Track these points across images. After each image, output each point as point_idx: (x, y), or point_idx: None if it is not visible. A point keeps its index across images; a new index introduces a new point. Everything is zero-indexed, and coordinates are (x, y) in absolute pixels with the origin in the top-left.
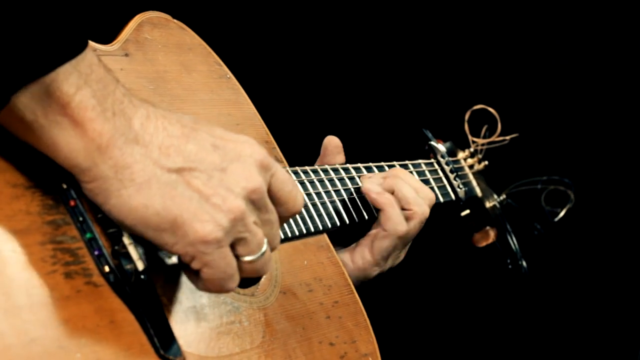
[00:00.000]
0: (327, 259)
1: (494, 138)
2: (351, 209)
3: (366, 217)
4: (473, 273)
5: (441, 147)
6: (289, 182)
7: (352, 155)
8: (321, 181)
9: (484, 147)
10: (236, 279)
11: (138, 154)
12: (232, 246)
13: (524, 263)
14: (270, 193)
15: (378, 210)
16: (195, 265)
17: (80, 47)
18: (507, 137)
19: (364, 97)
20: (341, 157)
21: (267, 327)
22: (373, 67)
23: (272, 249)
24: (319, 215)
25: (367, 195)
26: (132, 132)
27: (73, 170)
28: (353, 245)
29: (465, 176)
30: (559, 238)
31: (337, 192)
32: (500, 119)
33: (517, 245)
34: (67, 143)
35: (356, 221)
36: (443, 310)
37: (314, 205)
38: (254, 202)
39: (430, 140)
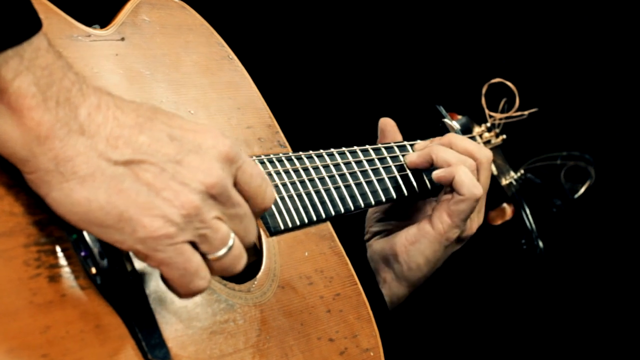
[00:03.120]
0: (330, 249)
1: (512, 113)
2: (402, 183)
3: (417, 190)
4: (485, 254)
5: (455, 125)
6: (257, 176)
7: (362, 136)
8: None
9: (502, 121)
10: (203, 277)
11: (82, 146)
12: (195, 244)
13: (540, 243)
14: (237, 187)
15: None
16: (151, 263)
17: (27, 33)
18: (526, 112)
19: (374, 74)
20: (399, 135)
21: (262, 324)
22: (383, 40)
23: (245, 244)
24: (362, 194)
25: (438, 157)
26: (77, 122)
27: (11, 160)
28: (429, 210)
29: None
30: (578, 217)
31: (378, 170)
32: (518, 93)
33: (533, 224)
34: (4, 131)
35: (406, 196)
36: (451, 296)
37: (338, 187)
38: (214, 197)
39: (444, 117)
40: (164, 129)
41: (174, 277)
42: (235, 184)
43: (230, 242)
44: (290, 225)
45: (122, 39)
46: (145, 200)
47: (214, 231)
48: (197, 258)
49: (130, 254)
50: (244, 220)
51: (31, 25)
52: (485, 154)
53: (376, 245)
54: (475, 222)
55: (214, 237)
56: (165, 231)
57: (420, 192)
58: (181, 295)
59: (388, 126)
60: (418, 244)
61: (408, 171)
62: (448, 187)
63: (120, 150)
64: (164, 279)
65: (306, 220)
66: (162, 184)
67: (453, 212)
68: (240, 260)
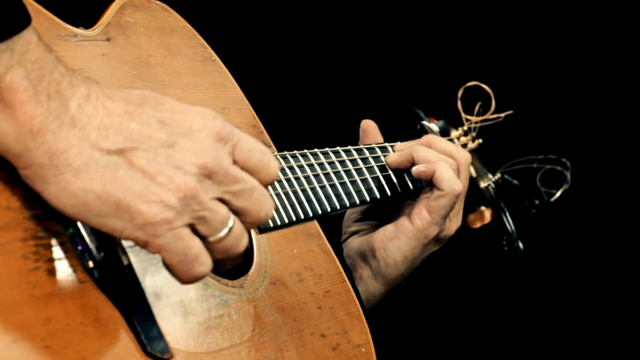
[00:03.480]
0: (318, 247)
1: (488, 115)
2: (384, 183)
3: (400, 190)
4: (467, 255)
5: (434, 127)
6: (256, 150)
7: (343, 137)
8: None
9: (478, 125)
10: (204, 262)
11: (74, 138)
12: (194, 227)
13: (521, 244)
14: (239, 165)
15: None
16: (151, 250)
17: (17, 27)
18: (502, 115)
19: (353, 78)
20: (380, 137)
21: (256, 319)
22: (361, 45)
23: (263, 219)
24: (347, 194)
25: (419, 155)
26: (68, 114)
27: (5, 156)
28: (407, 210)
29: None
30: (557, 219)
31: (368, 169)
32: (494, 96)
33: (513, 226)
34: None
35: (389, 196)
36: (437, 296)
37: (324, 187)
38: (210, 177)
39: (423, 120)
40: (153, 114)
41: (174, 262)
42: (236, 162)
43: (231, 223)
44: (279, 223)
45: (108, 39)
46: (140, 187)
47: (212, 212)
48: (196, 243)
49: (126, 248)
50: (254, 195)
51: (21, 20)
52: (464, 155)
53: (353, 243)
54: (454, 223)
55: (212, 219)
56: (164, 216)
57: (403, 192)
58: (183, 281)
59: (370, 128)
60: (396, 240)
61: (390, 172)
62: (428, 184)
63: (112, 139)
64: (166, 265)
65: (294, 218)
66: (155, 169)
67: (433, 208)
68: (242, 240)
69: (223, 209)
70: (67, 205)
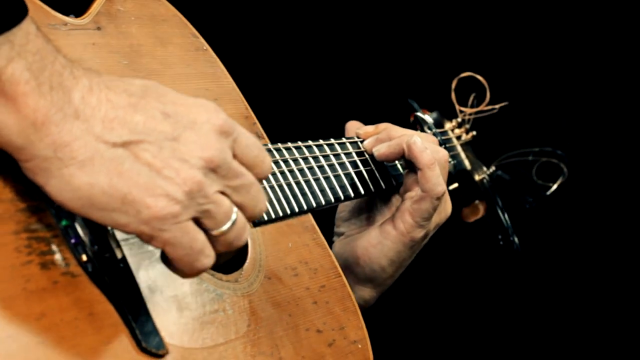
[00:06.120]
0: (313, 241)
1: (482, 107)
2: (367, 179)
3: (383, 186)
4: (462, 250)
5: (428, 119)
6: (253, 146)
7: (336, 128)
8: (325, 156)
9: (472, 116)
10: (208, 255)
11: (78, 130)
12: (198, 220)
13: (516, 239)
14: (236, 159)
15: (400, 176)
16: (156, 244)
17: (16, 19)
18: (497, 106)
19: (347, 69)
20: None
21: (252, 315)
22: (355, 36)
23: (257, 214)
24: (322, 191)
25: (412, 151)
26: (72, 106)
27: (7, 149)
28: (391, 214)
29: (453, 148)
30: (553, 212)
31: (345, 164)
32: (488, 87)
33: (508, 220)
34: None
35: (372, 191)
36: (432, 291)
37: (317, 179)
38: (214, 171)
39: (416, 111)
40: (157, 106)
41: (180, 256)
42: (235, 157)
43: (234, 216)
44: (273, 216)
45: (99, 28)
46: (147, 181)
47: (217, 206)
48: (201, 236)
49: (120, 241)
50: (251, 190)
51: (19, 10)
52: (444, 154)
53: (337, 248)
54: (433, 223)
55: (217, 212)
56: (170, 210)
57: (387, 187)
58: (185, 274)
59: (354, 128)
60: (380, 246)
61: (373, 166)
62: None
63: (117, 131)
64: (166, 259)
65: (288, 211)
66: (161, 162)
67: (415, 211)
68: (244, 234)
69: (226, 202)
70: (71, 198)
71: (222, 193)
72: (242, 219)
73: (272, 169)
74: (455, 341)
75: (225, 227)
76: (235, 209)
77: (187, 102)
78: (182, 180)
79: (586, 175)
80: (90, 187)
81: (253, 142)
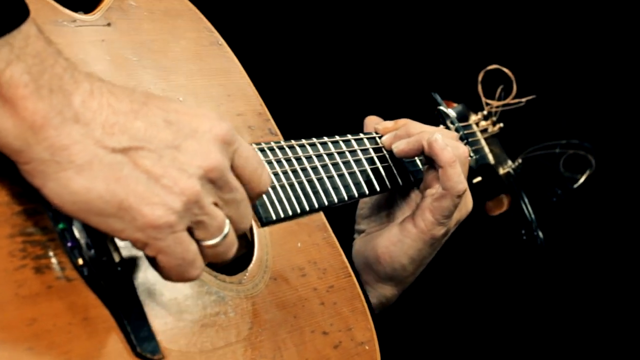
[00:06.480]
0: (323, 240)
1: (509, 100)
2: (384, 175)
3: (401, 183)
4: (484, 245)
5: (451, 113)
6: (253, 160)
7: (356, 124)
8: (340, 153)
9: (499, 109)
10: (198, 265)
11: (77, 134)
12: (190, 230)
13: (540, 234)
14: (234, 171)
15: (419, 172)
16: (149, 252)
17: (16, 21)
18: (524, 99)
19: (368, 62)
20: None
21: (254, 317)
22: (378, 27)
23: (240, 230)
24: (335, 188)
25: (433, 149)
26: (71, 110)
27: (6, 152)
28: (411, 211)
29: (476, 142)
30: (579, 207)
31: (360, 160)
32: (515, 80)
33: (532, 214)
34: None
35: (389, 188)
36: (450, 289)
37: (330, 177)
38: (212, 182)
39: (439, 105)
40: (159, 113)
41: (170, 265)
42: (232, 168)
43: (226, 230)
44: (282, 215)
45: (109, 24)
46: (145, 189)
47: (211, 218)
48: (194, 247)
49: (118, 244)
50: (240, 206)
51: (19, 13)
52: (464, 150)
53: (357, 246)
54: (453, 220)
55: (210, 224)
56: (167, 220)
57: (405, 184)
58: (172, 281)
59: (373, 123)
60: (400, 244)
61: (390, 162)
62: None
63: (117, 137)
64: (155, 265)
65: (298, 210)
66: (160, 170)
67: (436, 209)
68: (233, 248)
69: (221, 215)
70: (67, 202)
71: (216, 204)
72: (233, 234)
73: (272, 182)
74: (471, 341)
75: (216, 240)
76: (227, 222)
77: (189, 111)
78: (180, 190)
79: (614, 167)
80: (87, 191)
81: (253, 155)
